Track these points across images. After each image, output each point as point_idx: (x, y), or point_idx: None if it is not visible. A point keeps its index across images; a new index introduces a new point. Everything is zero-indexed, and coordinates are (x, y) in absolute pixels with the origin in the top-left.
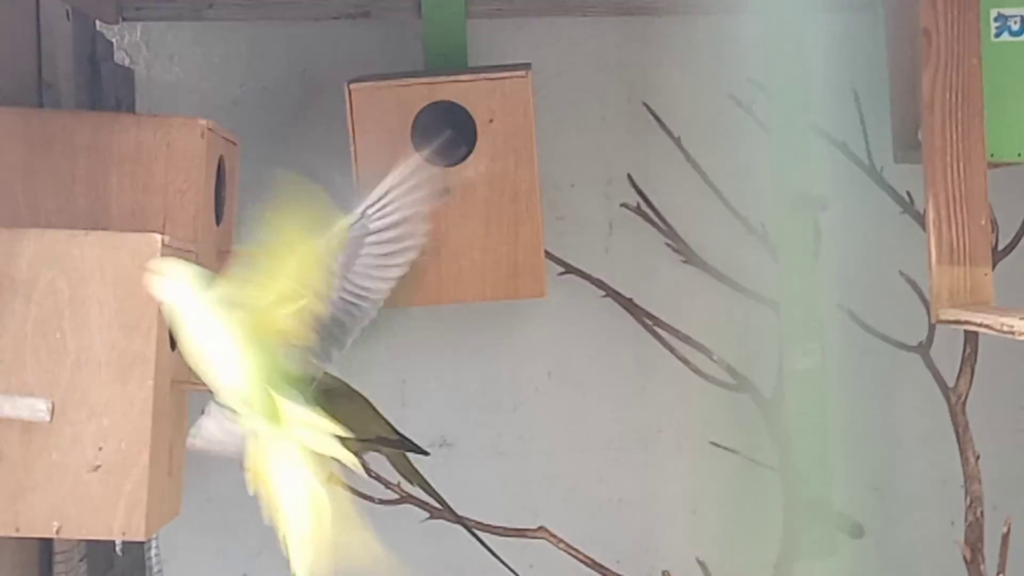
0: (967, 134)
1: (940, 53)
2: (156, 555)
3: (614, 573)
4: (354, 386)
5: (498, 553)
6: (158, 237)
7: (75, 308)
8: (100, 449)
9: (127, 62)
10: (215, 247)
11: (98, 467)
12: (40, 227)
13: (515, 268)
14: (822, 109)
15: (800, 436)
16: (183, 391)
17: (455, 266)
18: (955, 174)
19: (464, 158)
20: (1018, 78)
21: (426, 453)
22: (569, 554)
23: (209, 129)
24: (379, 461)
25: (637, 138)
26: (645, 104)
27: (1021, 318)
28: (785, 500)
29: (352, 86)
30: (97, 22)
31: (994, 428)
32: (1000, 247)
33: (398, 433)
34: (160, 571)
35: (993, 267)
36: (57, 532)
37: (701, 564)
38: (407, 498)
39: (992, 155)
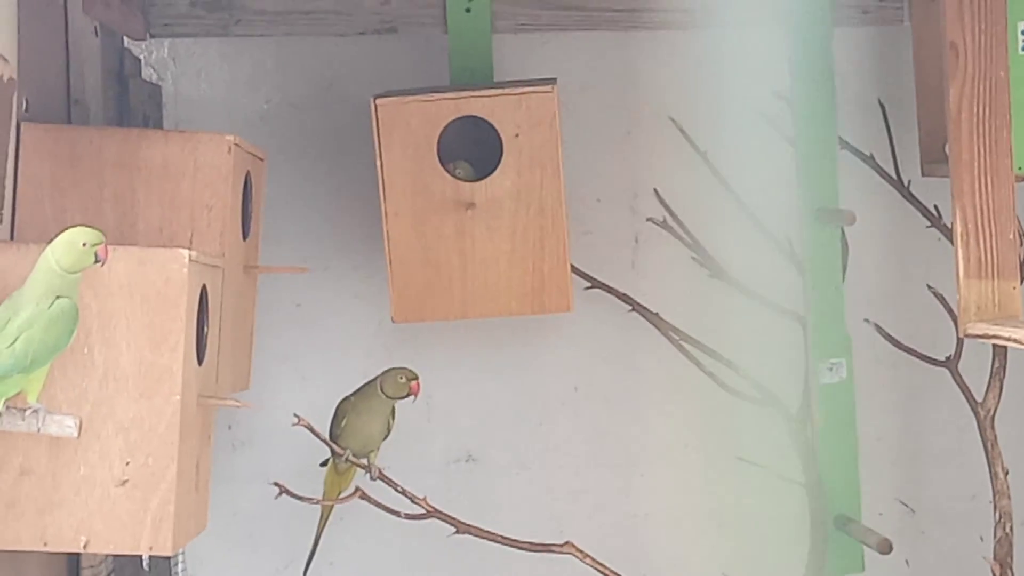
0: (994, 147)
1: (967, 66)
2: (183, 570)
3: None
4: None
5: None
6: (185, 252)
7: (103, 323)
8: (127, 464)
9: (155, 78)
10: (242, 262)
11: (125, 482)
12: None
13: (541, 282)
14: (849, 123)
15: (827, 451)
16: (210, 406)
17: (481, 281)
18: (982, 188)
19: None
20: None
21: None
22: (596, 569)
23: (236, 144)
24: (405, 476)
25: (663, 152)
26: (671, 118)
27: None
28: (812, 515)
29: (378, 101)
30: (125, 39)
31: (1023, 443)
32: None
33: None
34: None
35: (1022, 281)
36: (84, 547)
37: None
38: (433, 513)
39: (1020, 168)
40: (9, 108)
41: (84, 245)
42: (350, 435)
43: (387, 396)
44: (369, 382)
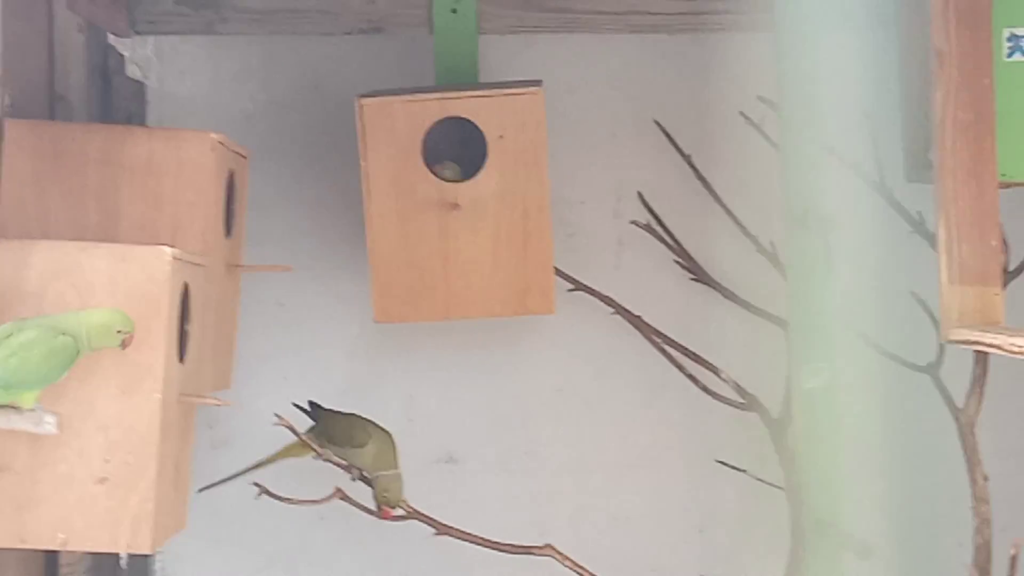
0: (978, 154)
1: (952, 73)
2: (161, 569)
3: None
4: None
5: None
6: (168, 250)
7: None
8: (107, 462)
9: (139, 75)
10: (225, 260)
11: (104, 480)
12: (50, 239)
13: (524, 284)
14: (833, 128)
15: (808, 456)
16: (190, 404)
17: (464, 282)
18: (966, 194)
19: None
20: None
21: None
22: (575, 572)
23: (220, 143)
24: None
25: (647, 155)
26: (656, 122)
27: None
28: (792, 520)
29: (363, 101)
30: (110, 35)
31: (1003, 449)
32: (1011, 268)
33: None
34: None
35: (1004, 287)
36: (63, 545)
37: None
38: (414, 514)
39: (1003, 175)
40: None
41: (118, 332)
42: (339, 453)
43: (374, 484)
44: (383, 439)
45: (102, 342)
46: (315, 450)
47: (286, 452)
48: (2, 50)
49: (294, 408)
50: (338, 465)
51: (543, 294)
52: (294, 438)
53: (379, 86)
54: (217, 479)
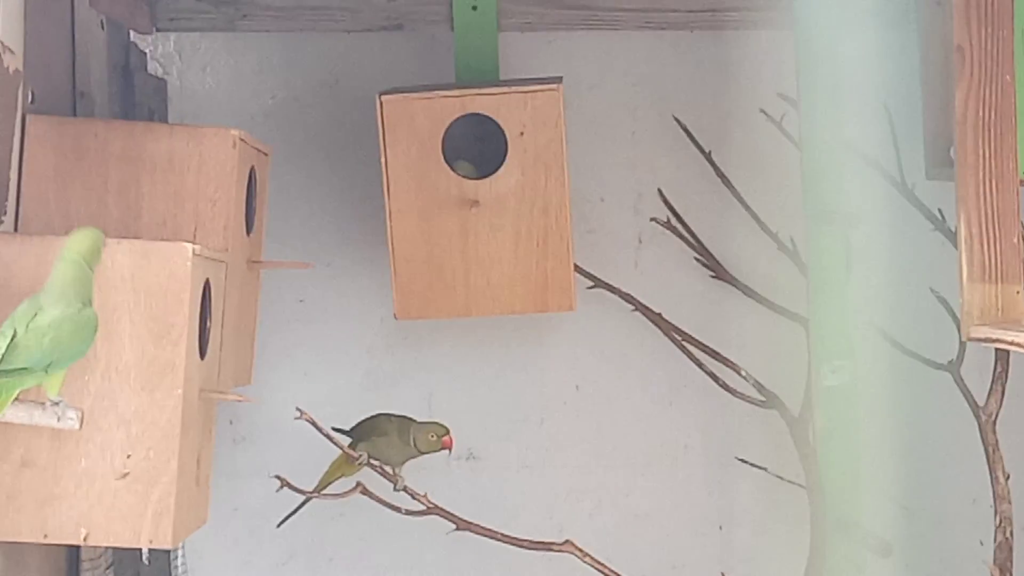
0: (1000, 151)
1: (973, 70)
2: (182, 564)
3: None
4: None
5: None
6: (189, 247)
7: (105, 316)
8: (128, 457)
9: (160, 72)
10: (245, 257)
11: (126, 475)
12: None
13: (544, 281)
14: (854, 125)
15: (828, 453)
16: (211, 400)
17: (484, 279)
18: (987, 191)
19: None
20: None
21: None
22: (595, 568)
23: (241, 139)
24: (406, 473)
25: (668, 153)
26: (676, 119)
27: None
28: (812, 517)
29: (383, 98)
30: (131, 32)
31: None
32: None
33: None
34: None
35: None
36: (84, 539)
37: None
38: (434, 509)
39: None
40: (15, 100)
41: (105, 245)
42: (372, 449)
43: (420, 451)
44: (407, 420)
45: (99, 259)
46: (349, 454)
47: (337, 470)
48: (24, 46)
49: (314, 404)
50: (384, 475)
51: (563, 291)
52: (319, 436)
53: (399, 83)
54: (289, 512)
